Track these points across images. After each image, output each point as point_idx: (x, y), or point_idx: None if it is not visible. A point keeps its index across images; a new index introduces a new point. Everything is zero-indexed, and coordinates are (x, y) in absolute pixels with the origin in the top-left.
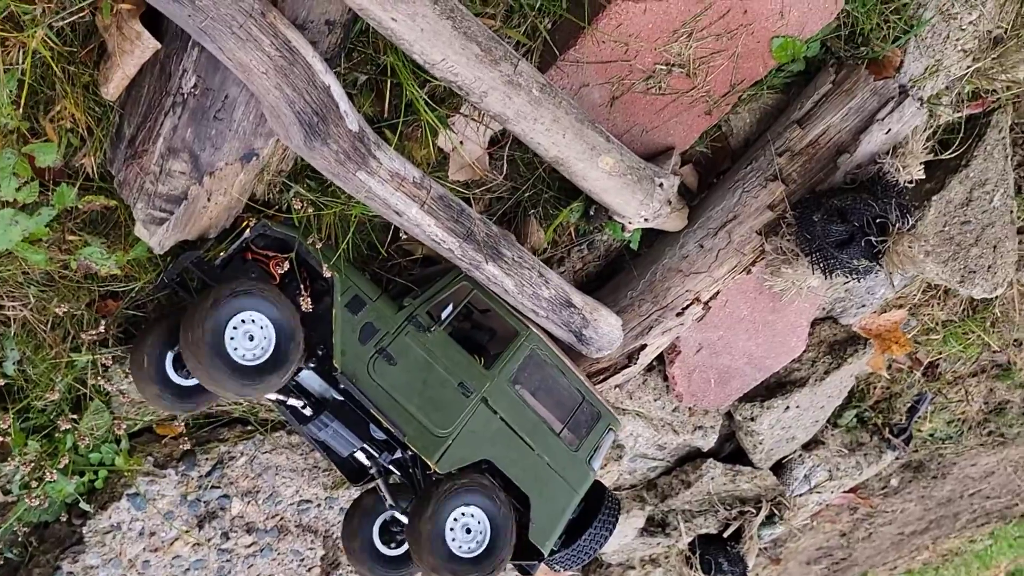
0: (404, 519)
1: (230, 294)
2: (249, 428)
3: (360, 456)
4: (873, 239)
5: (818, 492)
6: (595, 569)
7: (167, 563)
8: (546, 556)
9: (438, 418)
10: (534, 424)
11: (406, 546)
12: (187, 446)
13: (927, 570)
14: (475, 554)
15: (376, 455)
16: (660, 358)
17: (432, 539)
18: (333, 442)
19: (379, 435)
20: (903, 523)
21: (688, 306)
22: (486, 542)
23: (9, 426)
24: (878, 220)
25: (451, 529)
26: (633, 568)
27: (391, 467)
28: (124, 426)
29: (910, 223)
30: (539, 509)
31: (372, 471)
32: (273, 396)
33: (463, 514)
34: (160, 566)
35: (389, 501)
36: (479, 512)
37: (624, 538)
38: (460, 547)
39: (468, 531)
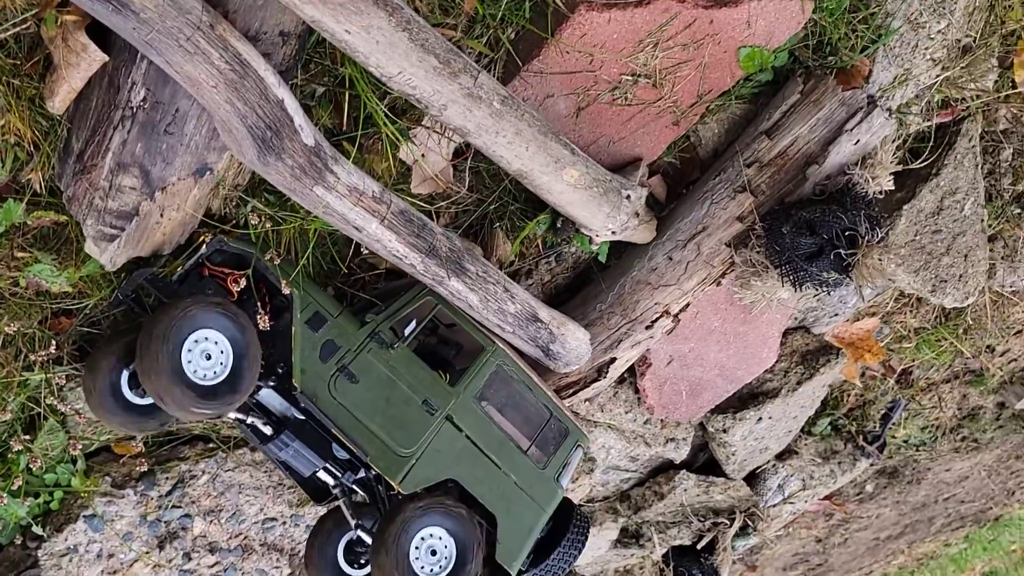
0: (369, 539)
1: (186, 312)
2: (211, 446)
3: (323, 476)
4: (842, 252)
5: (791, 502)
6: None
7: None
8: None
9: (401, 437)
10: (500, 442)
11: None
12: (145, 467)
13: (903, 574)
14: (444, 574)
15: (339, 475)
16: (631, 370)
17: (396, 562)
18: (294, 462)
19: (342, 454)
20: (879, 528)
21: (657, 319)
22: (452, 564)
23: None
24: (847, 232)
25: (416, 551)
26: None
27: (355, 487)
28: (80, 446)
29: (879, 235)
30: (506, 529)
31: (335, 491)
32: (232, 415)
33: (428, 535)
34: None
35: (353, 522)
36: (444, 533)
37: (598, 550)
38: (425, 570)
39: (433, 553)
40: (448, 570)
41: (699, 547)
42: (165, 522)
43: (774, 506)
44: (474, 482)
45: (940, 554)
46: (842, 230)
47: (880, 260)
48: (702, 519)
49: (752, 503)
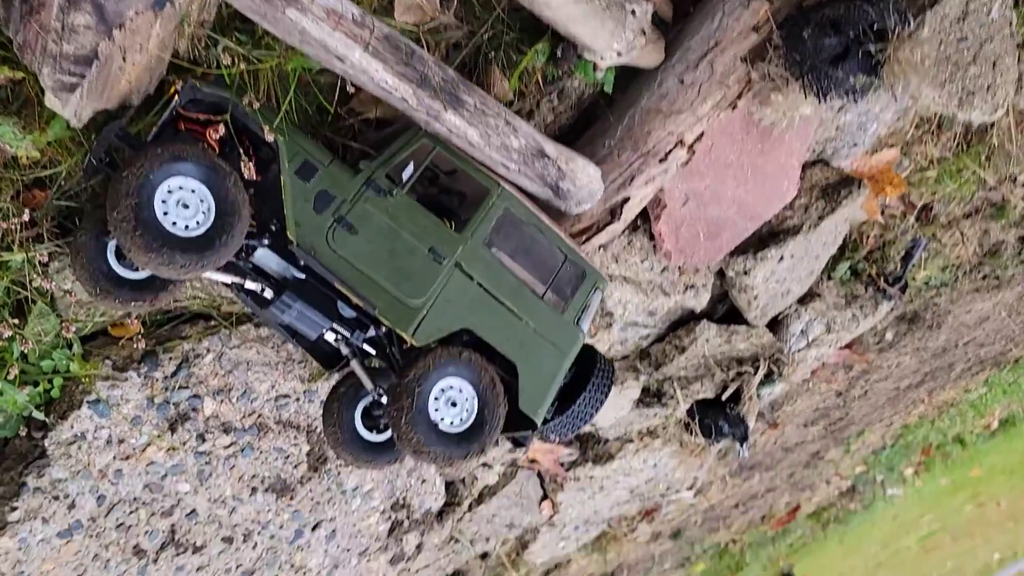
0: (385, 400)
1: (150, 160)
2: (213, 323)
3: (330, 338)
4: (871, 48)
5: (816, 346)
6: (592, 446)
7: (141, 471)
8: (539, 425)
9: (410, 288)
10: (514, 288)
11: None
12: (144, 345)
13: (922, 423)
14: (463, 428)
15: (348, 335)
16: (645, 215)
17: (415, 417)
18: (299, 325)
19: (349, 313)
20: (899, 377)
21: (671, 150)
22: (473, 415)
23: None
24: (875, 27)
25: (435, 405)
26: (631, 441)
27: (365, 347)
28: (74, 328)
29: (911, 25)
30: (527, 376)
31: (345, 353)
32: (229, 280)
33: (446, 388)
34: (134, 474)
35: (367, 383)
36: (463, 384)
37: (620, 411)
38: (446, 423)
39: (453, 405)
40: (470, 421)
41: (724, 398)
42: (174, 404)
43: (799, 351)
44: (490, 331)
45: (960, 400)
46: (869, 25)
47: (912, 53)
48: (725, 370)
49: (776, 349)
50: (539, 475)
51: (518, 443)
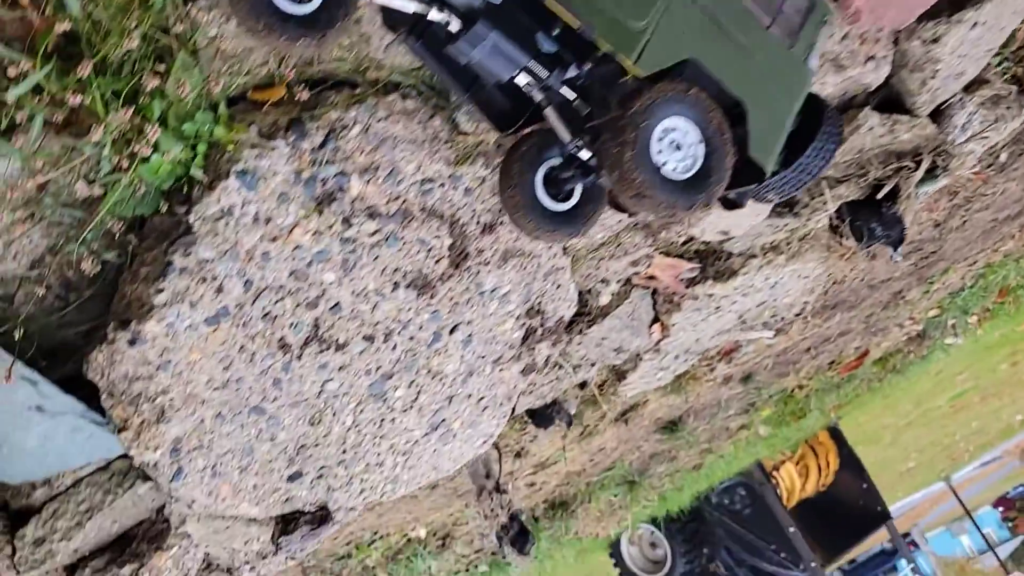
0: (583, 155)
1: None
2: (358, 91)
3: (522, 81)
4: None
5: (985, 136)
6: (713, 262)
7: (288, 255)
8: (768, 176)
9: (629, 8)
10: (739, 16)
11: (575, 198)
12: (302, 96)
13: (1007, 262)
14: (688, 175)
15: (544, 76)
16: None
17: (639, 155)
18: (490, 63)
19: (548, 47)
20: (999, 207)
21: None
22: (699, 162)
23: (88, 76)
24: None
25: (657, 146)
26: (755, 257)
27: (563, 90)
28: (221, 84)
29: None
30: (756, 119)
31: (539, 99)
32: (413, 8)
33: (670, 128)
34: (281, 258)
35: (563, 134)
36: (689, 124)
37: (757, 217)
38: (668, 168)
39: (678, 148)
40: (695, 169)
41: (879, 197)
42: (321, 180)
43: (960, 144)
44: (717, 64)
45: None
46: None
47: None
48: (882, 166)
49: (940, 141)
50: (653, 295)
51: (733, 204)
